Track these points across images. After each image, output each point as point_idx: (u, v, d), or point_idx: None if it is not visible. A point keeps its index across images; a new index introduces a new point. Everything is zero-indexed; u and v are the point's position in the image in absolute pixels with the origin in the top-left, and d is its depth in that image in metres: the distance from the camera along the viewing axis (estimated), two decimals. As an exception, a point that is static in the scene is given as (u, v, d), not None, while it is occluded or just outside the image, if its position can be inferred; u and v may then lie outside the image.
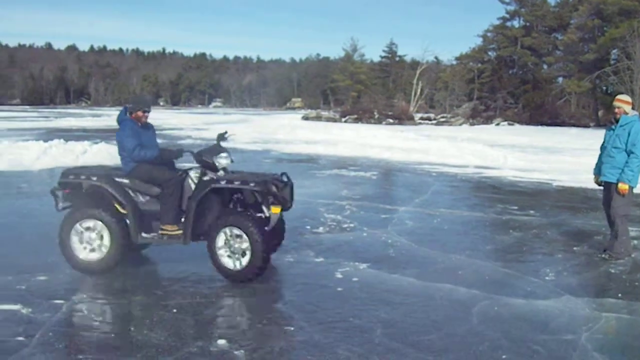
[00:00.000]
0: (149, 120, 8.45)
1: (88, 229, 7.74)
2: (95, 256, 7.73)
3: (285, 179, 8.12)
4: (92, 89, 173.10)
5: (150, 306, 6.62)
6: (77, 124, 52.35)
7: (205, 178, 7.79)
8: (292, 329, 6.09)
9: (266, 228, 7.63)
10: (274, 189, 7.65)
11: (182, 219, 7.74)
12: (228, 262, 7.53)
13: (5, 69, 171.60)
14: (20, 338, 5.74)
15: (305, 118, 70.77)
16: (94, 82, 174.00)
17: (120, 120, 8.18)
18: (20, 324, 6.11)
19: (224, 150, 7.99)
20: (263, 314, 6.51)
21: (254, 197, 7.93)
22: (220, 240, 7.51)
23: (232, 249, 7.49)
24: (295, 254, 8.96)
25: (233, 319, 6.38)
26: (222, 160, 7.82)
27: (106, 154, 21.52)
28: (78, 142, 23.54)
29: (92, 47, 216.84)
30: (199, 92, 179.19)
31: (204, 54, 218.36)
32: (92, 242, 7.74)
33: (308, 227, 10.77)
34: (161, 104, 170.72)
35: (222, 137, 8.37)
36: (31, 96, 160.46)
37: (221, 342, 5.68)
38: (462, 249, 9.55)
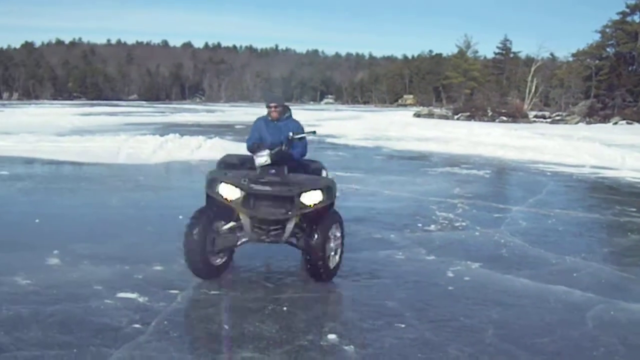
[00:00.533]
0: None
1: None
2: None
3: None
4: (207, 85, 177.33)
5: (262, 299, 6.69)
6: (191, 119, 53.77)
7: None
8: (403, 326, 6.04)
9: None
10: (224, 193, 7.13)
11: None
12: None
13: (124, 66, 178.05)
14: (137, 325, 5.90)
15: (417, 115, 70.33)
16: (208, 78, 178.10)
17: None
18: (137, 311, 6.29)
19: (271, 148, 7.55)
20: (373, 310, 6.47)
21: None
22: None
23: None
24: (407, 251, 8.89)
25: (343, 314, 6.38)
26: (259, 159, 7.46)
27: (220, 149, 21.91)
28: (193, 137, 24.15)
29: (206, 44, 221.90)
30: (311, 88, 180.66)
31: (316, 51, 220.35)
32: None
33: (420, 224, 10.68)
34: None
35: (292, 137, 7.83)
36: (148, 92, 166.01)
37: (331, 336, 5.69)
38: (577, 250, 9.25)
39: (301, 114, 71.29)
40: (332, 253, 7.32)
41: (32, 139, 25.77)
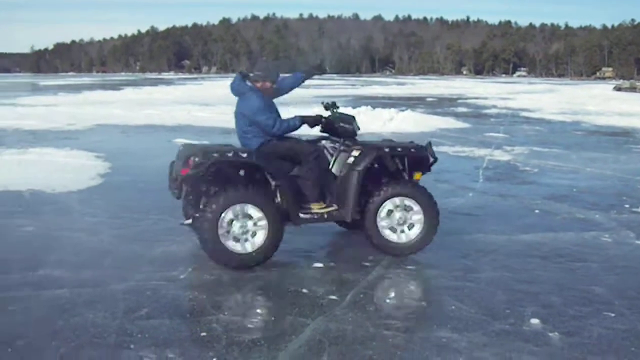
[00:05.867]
0: None
1: (238, 216, 6.57)
2: (250, 247, 6.61)
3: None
4: (397, 57, 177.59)
5: (460, 277, 6.46)
6: (382, 92, 54.01)
7: (355, 148, 7.16)
8: (612, 315, 5.57)
9: None
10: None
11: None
12: (391, 235, 7.12)
13: (316, 40, 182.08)
14: (333, 297, 5.90)
15: (618, 89, 66.47)
16: (398, 51, 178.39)
17: (242, 90, 7.15)
18: (333, 283, 6.29)
19: (353, 117, 7.47)
20: (579, 295, 6.04)
21: (395, 165, 7.29)
22: (384, 212, 7.07)
23: (397, 221, 7.09)
24: (614, 233, 8.29)
25: (547, 297, 5.97)
26: (357, 128, 7.38)
27: (412, 122, 21.87)
28: (384, 109, 24.12)
29: (397, 17, 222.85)
30: (503, 60, 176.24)
31: (509, 22, 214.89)
32: (246, 231, 6.61)
33: (627, 205, 9.96)
34: (464, 72, 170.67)
35: (334, 105, 7.47)
36: (339, 65, 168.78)
37: (534, 321, 5.36)
38: None
39: (493, 86, 69.77)
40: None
41: (229, 110, 26.74)
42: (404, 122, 21.62)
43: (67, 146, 16.22)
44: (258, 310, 5.55)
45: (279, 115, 7.13)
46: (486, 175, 12.40)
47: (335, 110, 7.40)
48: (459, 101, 41.14)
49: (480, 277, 6.47)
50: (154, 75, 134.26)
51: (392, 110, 23.95)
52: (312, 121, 7.23)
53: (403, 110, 24.38)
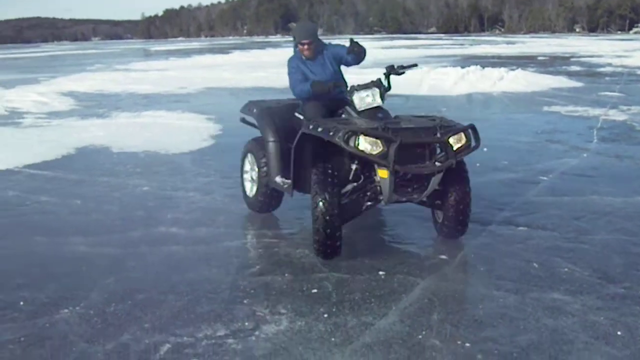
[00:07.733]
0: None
1: None
2: None
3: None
4: (506, 16, 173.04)
5: (573, 239, 6.31)
6: (491, 51, 52.77)
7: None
8: None
9: None
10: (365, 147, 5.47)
11: None
12: None
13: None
14: (443, 257, 5.90)
15: None
16: (507, 9, 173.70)
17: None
18: (443, 243, 6.27)
19: (375, 85, 6.16)
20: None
21: None
22: None
23: None
24: None
25: (665, 261, 5.79)
26: (366, 99, 6.07)
27: (523, 81, 21.36)
28: (494, 69, 23.66)
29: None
30: (619, 16, 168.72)
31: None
32: None
33: None
34: (577, 30, 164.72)
35: (393, 70, 6.43)
36: (446, 24, 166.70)
37: (652, 287, 5.19)
38: None
39: (608, 44, 67.01)
40: None
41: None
42: (514, 82, 21.13)
43: (179, 109, 16.68)
44: (368, 269, 5.56)
45: (306, 79, 6.59)
46: (601, 135, 12.00)
47: (385, 76, 6.44)
48: (572, 60, 39.72)
49: (595, 240, 6.29)
50: (261, 39, 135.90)
51: (502, 69, 23.45)
52: (319, 88, 6.33)
53: (513, 70, 23.80)
